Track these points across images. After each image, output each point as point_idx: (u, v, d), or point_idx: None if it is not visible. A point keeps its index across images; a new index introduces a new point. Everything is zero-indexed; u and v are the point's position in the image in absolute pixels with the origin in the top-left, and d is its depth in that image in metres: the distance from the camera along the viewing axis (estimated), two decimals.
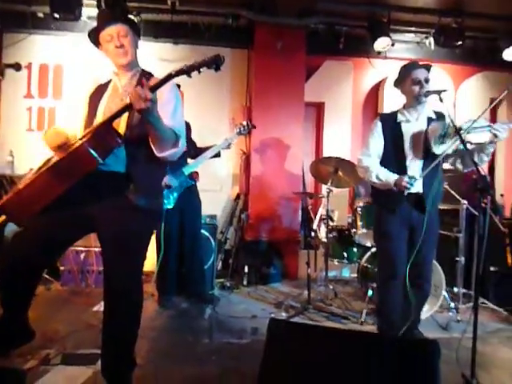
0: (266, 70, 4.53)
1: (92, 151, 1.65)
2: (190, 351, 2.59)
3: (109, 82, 2.03)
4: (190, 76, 1.63)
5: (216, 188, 4.76)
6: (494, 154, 5.22)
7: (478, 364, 2.16)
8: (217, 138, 3.83)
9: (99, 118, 1.89)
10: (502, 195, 4.76)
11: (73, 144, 1.76)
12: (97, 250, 3.83)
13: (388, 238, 2.63)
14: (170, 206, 3.31)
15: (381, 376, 1.32)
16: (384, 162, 2.67)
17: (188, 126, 3.61)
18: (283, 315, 3.30)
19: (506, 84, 5.00)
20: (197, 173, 3.59)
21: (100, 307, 3.24)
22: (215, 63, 1.60)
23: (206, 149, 3.56)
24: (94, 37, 1.96)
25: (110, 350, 1.92)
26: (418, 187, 2.58)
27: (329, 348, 1.37)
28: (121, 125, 1.84)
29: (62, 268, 3.88)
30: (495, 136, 2.32)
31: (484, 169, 2.43)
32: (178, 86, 2.02)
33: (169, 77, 1.64)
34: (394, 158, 2.64)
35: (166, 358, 2.48)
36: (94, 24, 1.97)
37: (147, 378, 2.19)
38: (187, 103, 4.65)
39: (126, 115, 1.82)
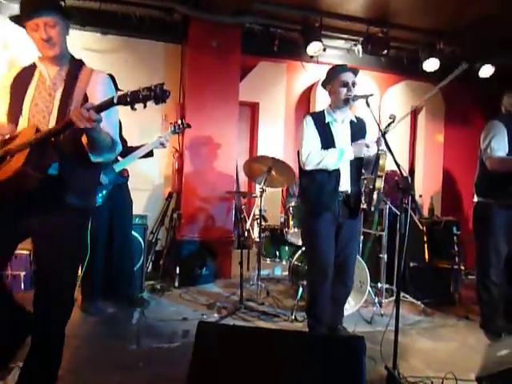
0: (201, 67, 4.46)
1: (32, 171, 1.57)
2: (116, 359, 2.45)
3: (34, 66, 1.81)
4: (133, 108, 1.49)
5: (147, 187, 4.59)
6: (413, 158, 5.63)
7: (399, 355, 2.29)
8: (148, 135, 3.69)
9: (25, 113, 1.74)
10: (420, 196, 5.13)
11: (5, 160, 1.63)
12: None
13: (319, 237, 2.68)
14: (97, 204, 3.13)
15: (310, 373, 1.33)
16: None
17: (119, 123, 3.46)
18: (215, 316, 3.26)
19: (426, 93, 5.42)
20: (126, 170, 3.43)
21: None
22: (162, 98, 1.47)
23: (138, 147, 3.42)
24: (18, 22, 1.75)
25: (34, 361, 1.79)
26: (346, 186, 2.69)
27: (258, 349, 1.36)
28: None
29: None
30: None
31: (405, 170, 2.59)
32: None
33: (110, 103, 1.52)
34: None
35: (90, 368, 2.32)
36: (11, 5, 1.77)
37: None
38: None
39: (56, 115, 1.71)
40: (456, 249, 4.05)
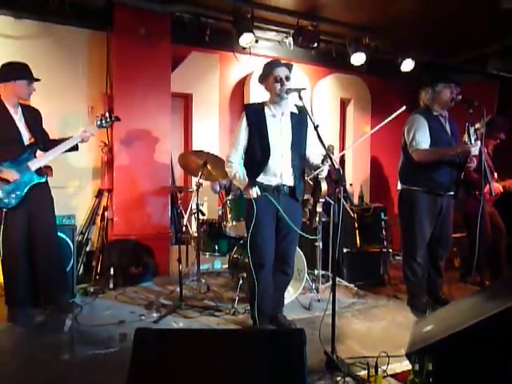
0: (129, 56, 4.24)
1: None
2: (47, 371, 2.28)
3: None
4: None
5: (74, 184, 4.30)
6: (343, 149, 5.85)
7: (337, 338, 2.38)
8: (72, 129, 3.46)
9: None
10: (351, 184, 5.36)
11: None
12: None
13: (260, 227, 2.70)
14: (11, 206, 2.91)
15: (254, 370, 1.33)
16: (249, 154, 2.76)
17: (38, 114, 3.19)
18: (154, 316, 3.16)
19: (353, 85, 5.64)
20: (50, 168, 3.18)
21: None
22: None
23: (61, 141, 3.15)
24: None
25: None
26: (289, 181, 2.75)
27: (198, 351, 1.33)
28: None
29: None
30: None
31: (337, 163, 2.69)
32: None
33: None
34: (259, 151, 2.73)
35: None
36: None
37: None
38: (37, 88, 4.08)
39: None
40: (384, 233, 4.32)
